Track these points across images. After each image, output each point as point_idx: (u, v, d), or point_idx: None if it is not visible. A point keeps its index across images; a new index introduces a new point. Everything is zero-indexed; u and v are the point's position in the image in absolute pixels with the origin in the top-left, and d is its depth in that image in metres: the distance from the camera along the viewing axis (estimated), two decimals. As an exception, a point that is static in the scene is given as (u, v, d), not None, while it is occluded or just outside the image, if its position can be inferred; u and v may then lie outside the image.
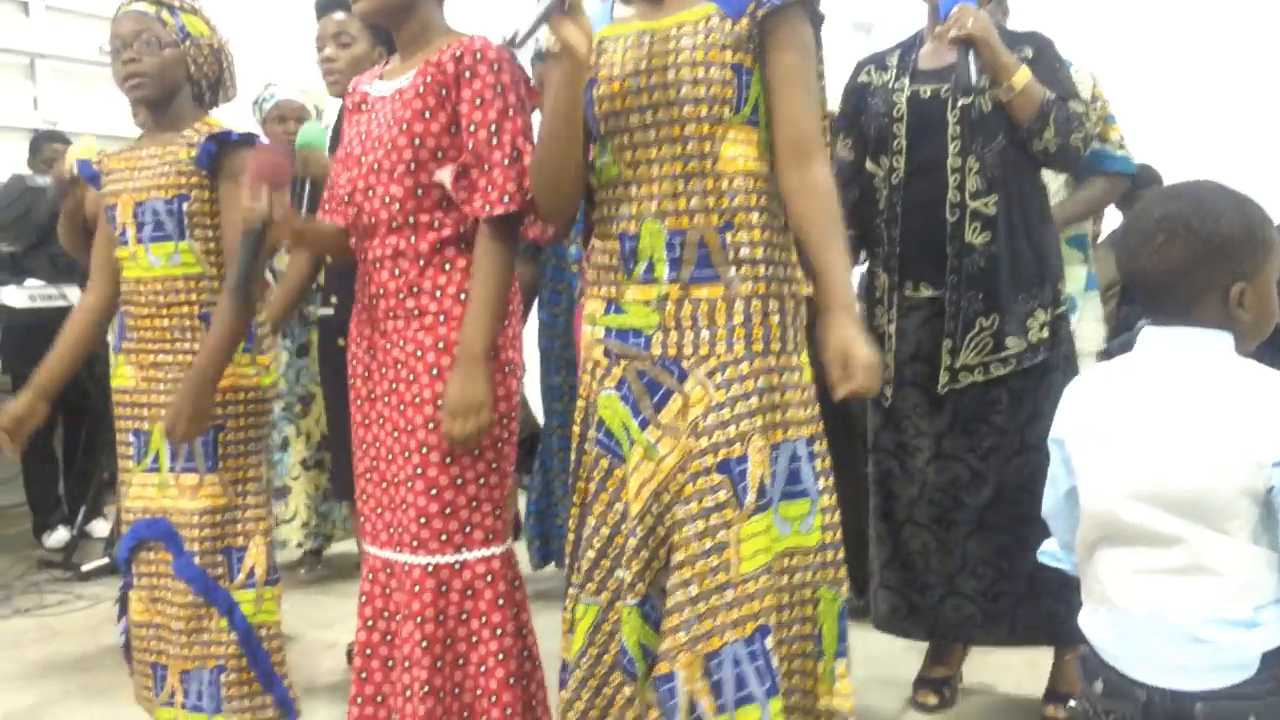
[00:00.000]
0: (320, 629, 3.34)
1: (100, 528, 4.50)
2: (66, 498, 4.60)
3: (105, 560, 4.12)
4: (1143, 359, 1.55)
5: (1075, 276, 3.09)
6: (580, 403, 1.93)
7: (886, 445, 2.60)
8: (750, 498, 1.72)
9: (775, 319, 1.79)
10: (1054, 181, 3.01)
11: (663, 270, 1.79)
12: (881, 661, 2.91)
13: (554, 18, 1.67)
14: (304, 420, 3.90)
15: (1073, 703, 2.34)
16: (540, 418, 3.67)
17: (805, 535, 1.80)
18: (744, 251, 1.77)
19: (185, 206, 2.35)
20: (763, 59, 1.78)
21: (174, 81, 2.37)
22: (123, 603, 2.52)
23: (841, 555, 1.83)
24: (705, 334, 1.77)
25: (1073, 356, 2.59)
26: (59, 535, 4.46)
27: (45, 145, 4.53)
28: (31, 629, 3.54)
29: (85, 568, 4.12)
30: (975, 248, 2.43)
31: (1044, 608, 2.48)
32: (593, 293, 1.90)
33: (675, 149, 1.77)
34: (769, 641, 1.72)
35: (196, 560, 2.37)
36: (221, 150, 2.35)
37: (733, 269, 1.77)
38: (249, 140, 2.35)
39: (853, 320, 1.72)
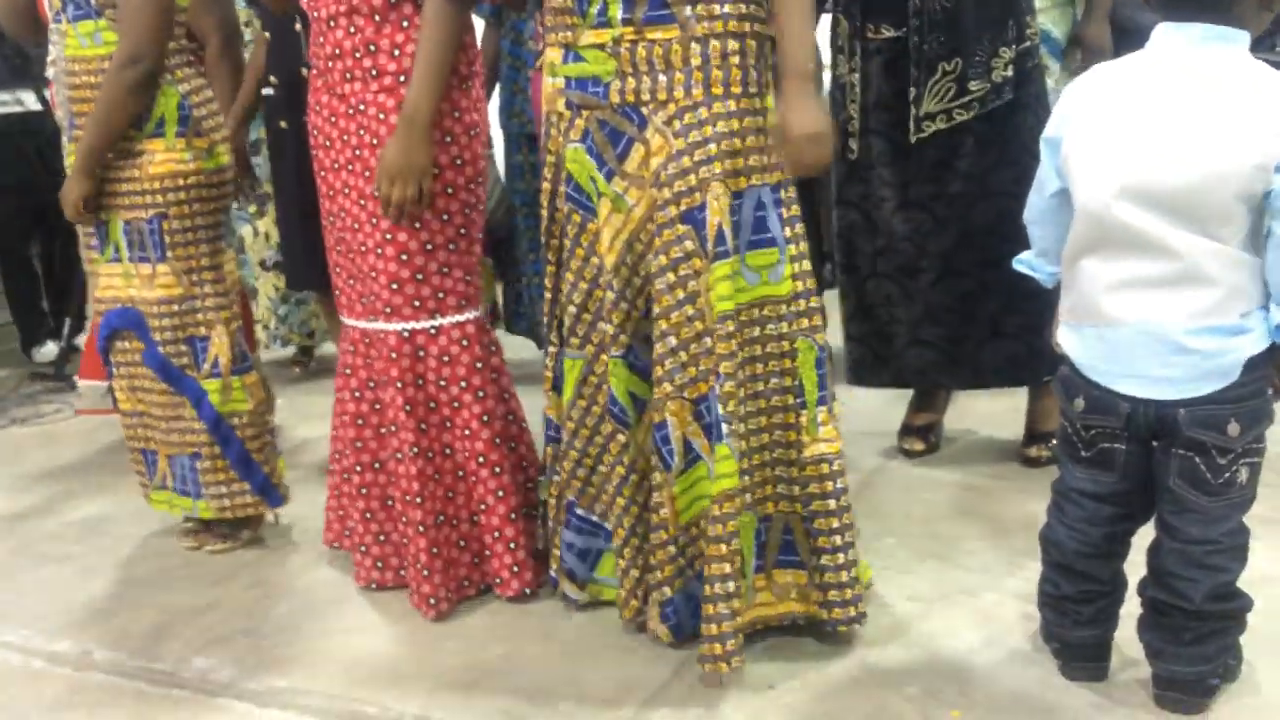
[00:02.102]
0: (313, 421, 3.36)
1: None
2: (50, 312, 4.56)
3: (96, 368, 4.10)
4: (1154, 56, 1.47)
5: (1064, 20, 2.93)
6: (549, 158, 1.86)
7: (851, 198, 2.54)
8: (710, 246, 1.70)
9: (735, 60, 1.70)
10: None
11: (616, 11, 1.70)
12: (867, 416, 2.94)
13: None
14: (260, 220, 3.79)
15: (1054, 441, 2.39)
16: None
17: (776, 285, 1.78)
18: None
19: None
20: None
21: None
22: (113, 393, 2.52)
23: (816, 304, 1.81)
24: (663, 79, 1.70)
25: (1043, 95, 2.47)
26: (48, 349, 4.41)
27: None
28: (30, 436, 3.54)
29: (77, 378, 4.12)
30: None
31: (1007, 349, 2.49)
32: (551, 39, 1.80)
33: None
34: (719, 388, 1.71)
35: (160, 350, 2.33)
36: None
37: (688, 8, 1.67)
38: None
39: (798, 89, 1.65)
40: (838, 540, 1.81)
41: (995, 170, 2.39)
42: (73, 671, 2.00)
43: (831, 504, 1.80)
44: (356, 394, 2.13)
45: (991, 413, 2.97)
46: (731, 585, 1.72)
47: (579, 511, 1.95)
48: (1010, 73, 2.37)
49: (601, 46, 1.73)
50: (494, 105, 3.40)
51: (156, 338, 2.33)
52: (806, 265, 1.80)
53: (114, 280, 2.37)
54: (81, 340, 4.41)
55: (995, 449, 2.80)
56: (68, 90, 2.31)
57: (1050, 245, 1.65)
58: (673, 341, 1.73)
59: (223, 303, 2.38)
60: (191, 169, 2.30)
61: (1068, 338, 1.60)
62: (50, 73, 2.53)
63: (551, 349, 1.95)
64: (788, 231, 1.77)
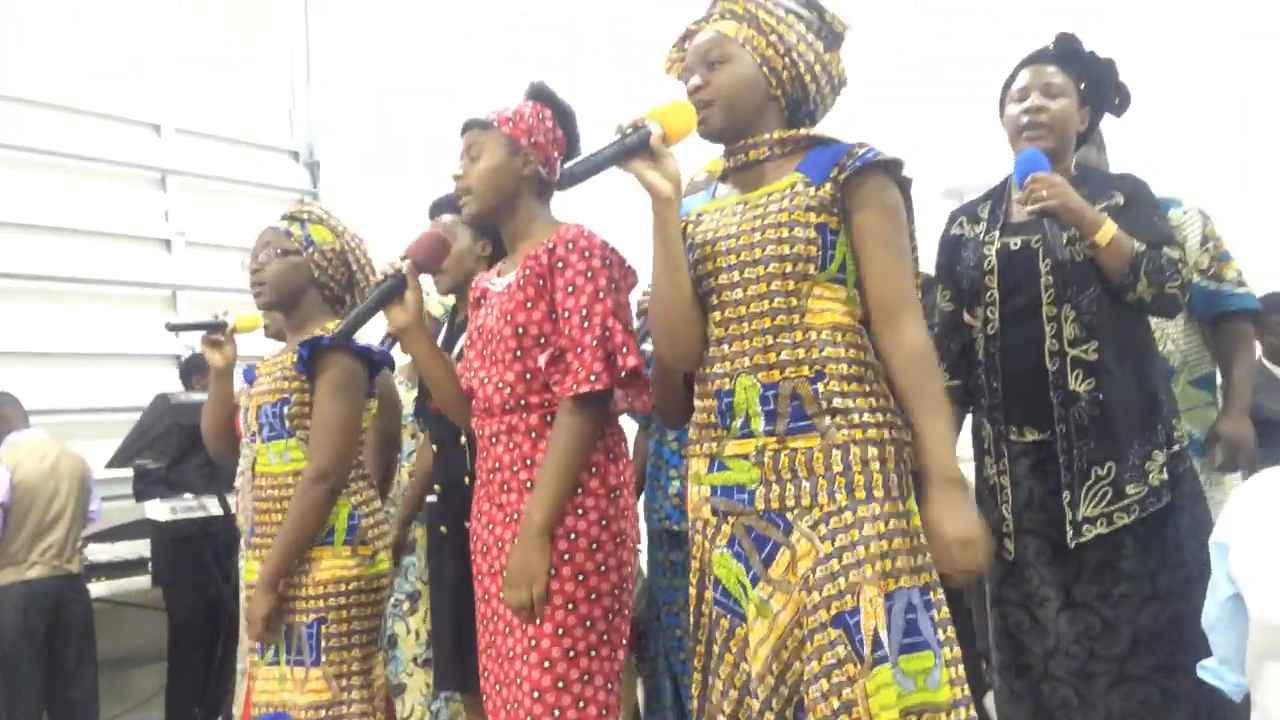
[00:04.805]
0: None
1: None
2: (203, 713, 4.63)
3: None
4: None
5: (1203, 421, 2.98)
6: (694, 564, 1.94)
7: (1011, 597, 2.53)
8: (867, 650, 1.70)
9: (876, 465, 1.78)
10: (1173, 327, 2.96)
11: (758, 424, 1.82)
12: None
13: (633, 160, 1.79)
14: (413, 617, 3.89)
15: None
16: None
17: (933, 691, 1.73)
18: (836, 401, 1.80)
19: (285, 410, 2.49)
20: (848, 221, 1.84)
21: (295, 286, 2.55)
22: None
23: (974, 714, 1.76)
24: (806, 484, 1.78)
25: (1199, 494, 2.52)
26: (196, 748, 4.47)
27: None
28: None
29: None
30: (1080, 395, 2.41)
31: None
32: (695, 451, 1.94)
33: (763, 304, 1.83)
34: None
35: None
36: (314, 355, 2.48)
37: (827, 418, 1.79)
38: (344, 345, 2.46)
39: (947, 493, 1.74)
40: None
41: (1162, 572, 2.37)
42: None
43: None
44: None
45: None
46: None
47: None
48: (1166, 476, 2.42)
49: (745, 456, 1.84)
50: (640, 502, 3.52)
51: None
52: (962, 671, 1.78)
53: (270, 684, 2.49)
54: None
55: None
56: (255, 501, 2.57)
57: (1231, 652, 1.59)
58: None
59: (367, 709, 2.47)
60: (353, 574, 2.47)
61: (1260, 761, 1.49)
62: (238, 483, 2.76)
63: None
64: (940, 635, 1.77)
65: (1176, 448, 2.46)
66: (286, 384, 2.50)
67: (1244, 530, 1.52)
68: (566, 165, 1.87)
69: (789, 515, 1.79)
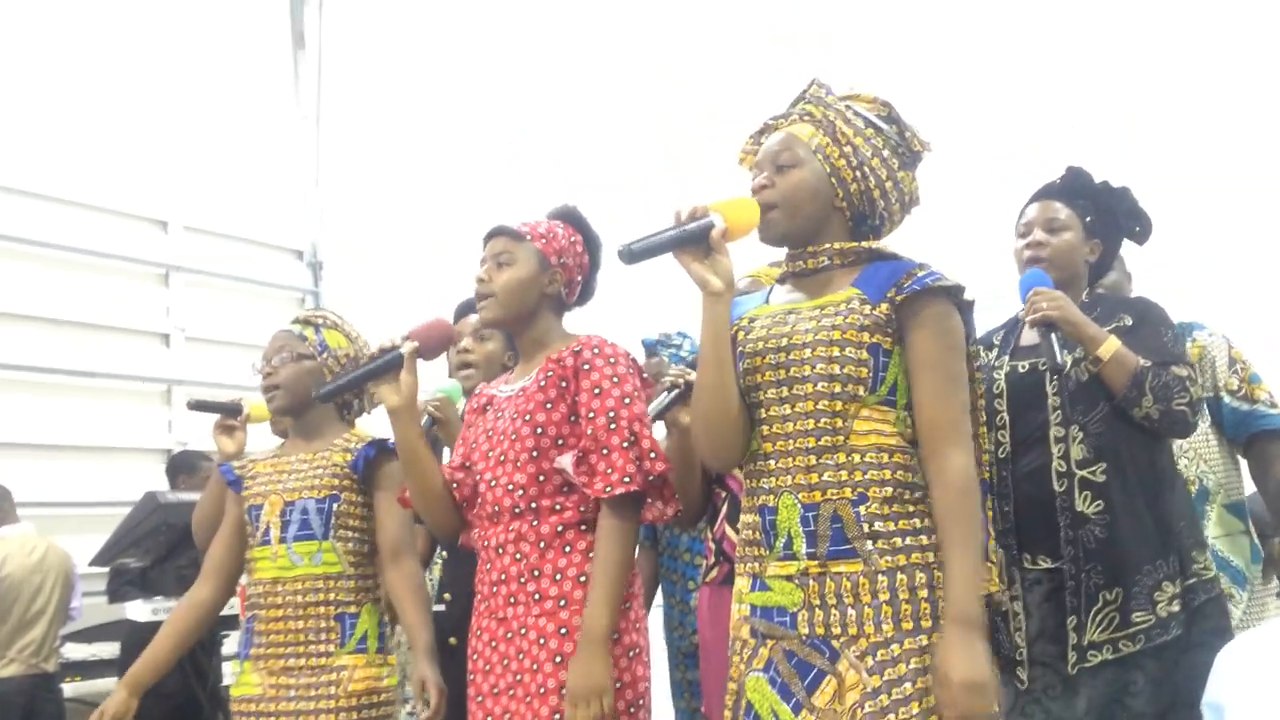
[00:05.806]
0: None
1: None
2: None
3: None
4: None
5: (1240, 548, 2.92)
6: (731, 685, 1.89)
7: None
8: None
9: (924, 593, 1.75)
10: (1206, 448, 2.93)
11: (800, 545, 1.79)
12: None
13: (685, 251, 1.77)
14: None
15: None
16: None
17: None
18: (879, 525, 1.77)
19: (335, 507, 2.43)
20: (902, 343, 1.82)
21: (309, 390, 2.50)
22: None
23: None
24: (851, 612, 1.75)
25: (1226, 632, 2.43)
26: None
27: (204, 462, 4.69)
28: None
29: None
30: (1089, 518, 2.37)
31: None
32: (740, 569, 1.91)
33: (808, 424, 1.80)
34: None
35: None
36: (379, 456, 2.45)
37: (869, 543, 1.76)
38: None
39: (960, 634, 1.70)
40: None
41: (1173, 713, 2.30)
42: None
43: None
44: None
45: None
46: None
47: None
48: (1176, 608, 2.36)
49: (789, 578, 1.80)
50: (656, 620, 3.43)
51: None
52: None
53: None
54: None
55: None
56: (263, 609, 2.46)
57: (1234, 823, 1.49)
58: None
59: None
60: (382, 685, 2.44)
61: None
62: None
63: None
64: None
65: (1193, 580, 2.41)
66: (337, 481, 2.45)
67: (1239, 690, 1.46)
68: (626, 242, 1.82)
69: (835, 643, 1.76)
